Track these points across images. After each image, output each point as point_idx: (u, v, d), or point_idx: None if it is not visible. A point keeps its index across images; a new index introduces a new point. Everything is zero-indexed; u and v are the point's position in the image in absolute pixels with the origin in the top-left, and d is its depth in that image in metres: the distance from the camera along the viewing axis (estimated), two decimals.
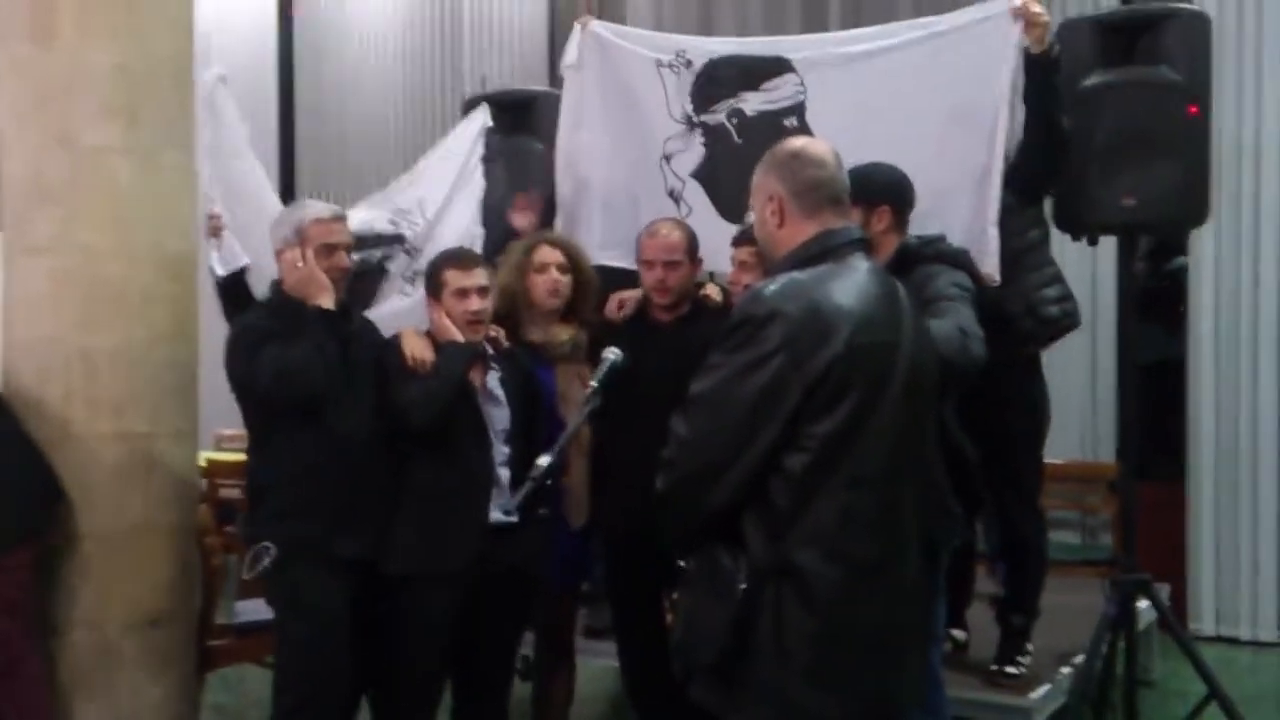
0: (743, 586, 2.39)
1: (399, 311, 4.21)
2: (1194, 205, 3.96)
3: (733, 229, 3.92)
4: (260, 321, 3.63)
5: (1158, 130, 3.85)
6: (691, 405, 2.46)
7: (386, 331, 3.86)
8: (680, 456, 2.46)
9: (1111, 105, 3.88)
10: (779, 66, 4.06)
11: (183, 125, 4.47)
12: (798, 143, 2.67)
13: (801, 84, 4.01)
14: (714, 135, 4.19)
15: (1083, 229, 4.11)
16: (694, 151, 4.24)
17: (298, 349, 3.48)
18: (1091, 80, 3.90)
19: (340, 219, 3.73)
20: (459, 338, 3.60)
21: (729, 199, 4.05)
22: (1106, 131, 3.86)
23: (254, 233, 4.08)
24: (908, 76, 3.83)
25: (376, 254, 4.30)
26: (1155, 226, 4.45)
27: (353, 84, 9.08)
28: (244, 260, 4.11)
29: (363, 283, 4.22)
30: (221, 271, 4.15)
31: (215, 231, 4.16)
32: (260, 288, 3.94)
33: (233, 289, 4.13)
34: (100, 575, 4.19)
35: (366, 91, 9.01)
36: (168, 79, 4.37)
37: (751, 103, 4.11)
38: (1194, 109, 3.85)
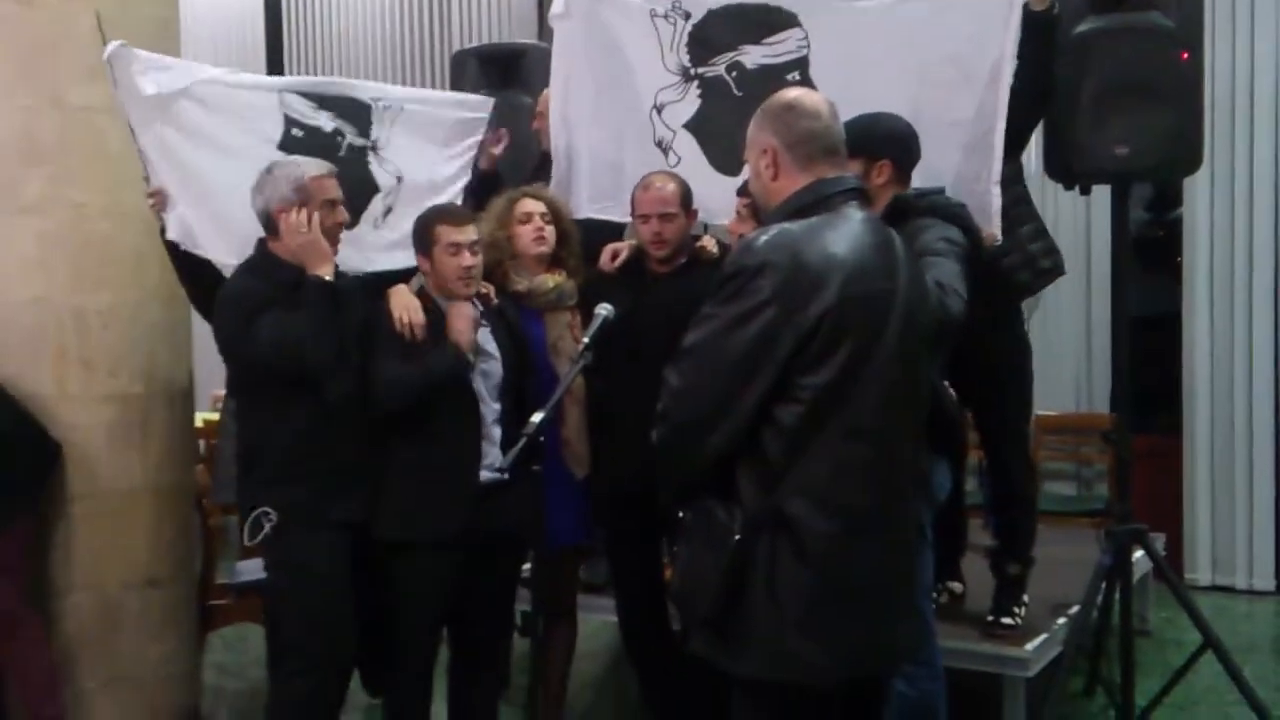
0: (736, 538, 2.40)
1: (356, 259, 3.98)
2: (1187, 153, 3.93)
3: (725, 180, 3.90)
4: (255, 287, 3.50)
5: (1150, 77, 3.81)
6: (684, 356, 2.46)
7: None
8: (672, 407, 2.47)
9: (1103, 52, 3.83)
10: (783, 20, 4.00)
11: None
12: (792, 94, 2.64)
13: (805, 39, 3.96)
14: (711, 87, 4.12)
15: (1075, 178, 4.08)
16: (689, 103, 4.17)
17: (298, 321, 3.41)
18: (1082, 27, 3.86)
19: (334, 174, 3.65)
20: (465, 340, 3.54)
21: (724, 151, 4.00)
22: (1098, 79, 3.82)
23: (188, 202, 3.84)
24: (912, 34, 3.79)
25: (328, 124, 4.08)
26: (1148, 174, 4.43)
27: (342, 37, 9.01)
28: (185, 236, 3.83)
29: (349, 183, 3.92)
30: (176, 237, 3.82)
31: (162, 206, 3.82)
32: (213, 252, 3.77)
33: (187, 253, 3.88)
34: (99, 537, 4.22)
35: (355, 43, 8.94)
36: (153, 37, 4.33)
37: (752, 56, 4.04)
38: (1186, 55, 3.82)
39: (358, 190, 4.00)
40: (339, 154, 4.05)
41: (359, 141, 4.14)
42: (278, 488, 3.52)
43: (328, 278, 3.49)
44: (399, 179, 4.17)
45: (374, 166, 4.16)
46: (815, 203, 2.49)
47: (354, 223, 3.93)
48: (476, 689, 3.78)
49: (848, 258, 2.41)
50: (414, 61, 8.63)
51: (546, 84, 4.53)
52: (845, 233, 2.45)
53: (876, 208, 3.36)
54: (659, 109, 4.18)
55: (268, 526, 3.49)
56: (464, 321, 3.55)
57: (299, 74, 9.04)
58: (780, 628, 2.40)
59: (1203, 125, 3.99)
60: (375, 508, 3.55)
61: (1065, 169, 4.04)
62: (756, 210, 3.39)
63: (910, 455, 2.55)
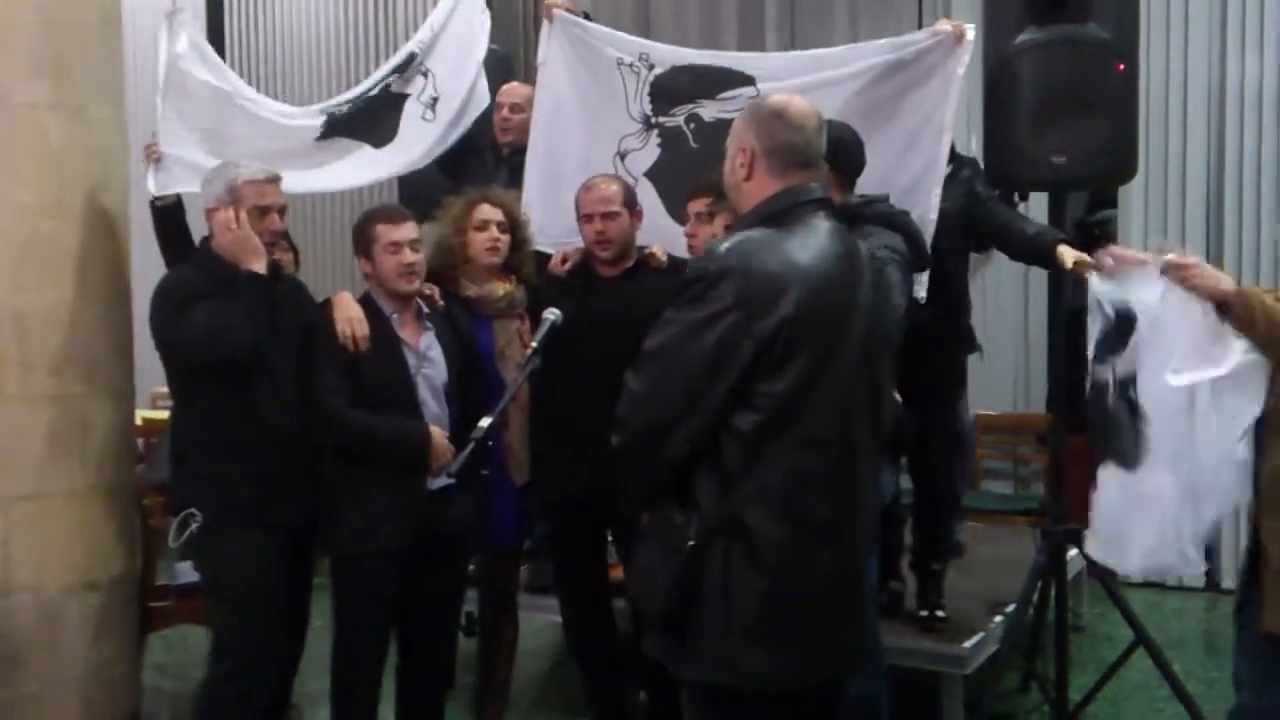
0: (691, 543, 2.40)
1: (426, 149, 4.52)
2: (1123, 162, 4.02)
3: (679, 230, 3.96)
4: (189, 279, 3.57)
5: (1087, 87, 3.89)
6: (644, 361, 2.45)
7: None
8: (632, 413, 2.46)
9: (1041, 63, 3.92)
10: (739, 79, 4.12)
11: (112, 79, 4.42)
12: (781, 100, 2.63)
13: (759, 96, 4.04)
14: (670, 137, 4.24)
15: (1014, 186, 4.18)
16: (649, 151, 4.29)
17: (228, 311, 3.44)
18: (1021, 38, 3.94)
19: (274, 180, 3.66)
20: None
21: (676, 200, 4.07)
22: (1036, 89, 3.91)
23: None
24: (863, 95, 3.94)
25: (372, 87, 4.56)
26: (1085, 183, 4.53)
27: (283, 37, 8.91)
28: (181, 187, 4.13)
29: (379, 116, 4.49)
30: (154, 190, 4.18)
31: (153, 157, 4.21)
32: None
33: (168, 218, 4.15)
34: (39, 538, 4.17)
35: (297, 42, 8.84)
36: (95, 32, 4.31)
37: (709, 109, 4.17)
38: (1122, 66, 3.91)
39: (389, 115, 4.55)
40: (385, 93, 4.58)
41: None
42: (208, 487, 3.53)
43: (260, 271, 3.50)
44: (426, 73, 4.55)
45: (394, 85, 4.56)
46: (783, 211, 2.49)
47: (395, 134, 4.53)
48: (424, 690, 3.79)
49: (810, 267, 2.42)
50: (357, 63, 8.54)
51: (493, 85, 4.64)
52: (809, 242, 2.46)
53: None
54: (622, 155, 4.29)
55: (193, 526, 3.50)
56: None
57: (240, 72, 8.97)
58: (729, 634, 2.41)
59: (1137, 135, 4.08)
60: (322, 522, 3.55)
61: (1004, 176, 4.12)
62: (716, 213, 3.46)
63: (870, 468, 2.56)
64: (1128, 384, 3.40)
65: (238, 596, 3.54)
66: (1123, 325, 3.44)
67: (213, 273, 3.53)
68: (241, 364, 3.48)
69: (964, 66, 3.83)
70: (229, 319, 3.44)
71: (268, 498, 3.52)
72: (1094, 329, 3.66)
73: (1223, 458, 3.04)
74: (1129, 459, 3.47)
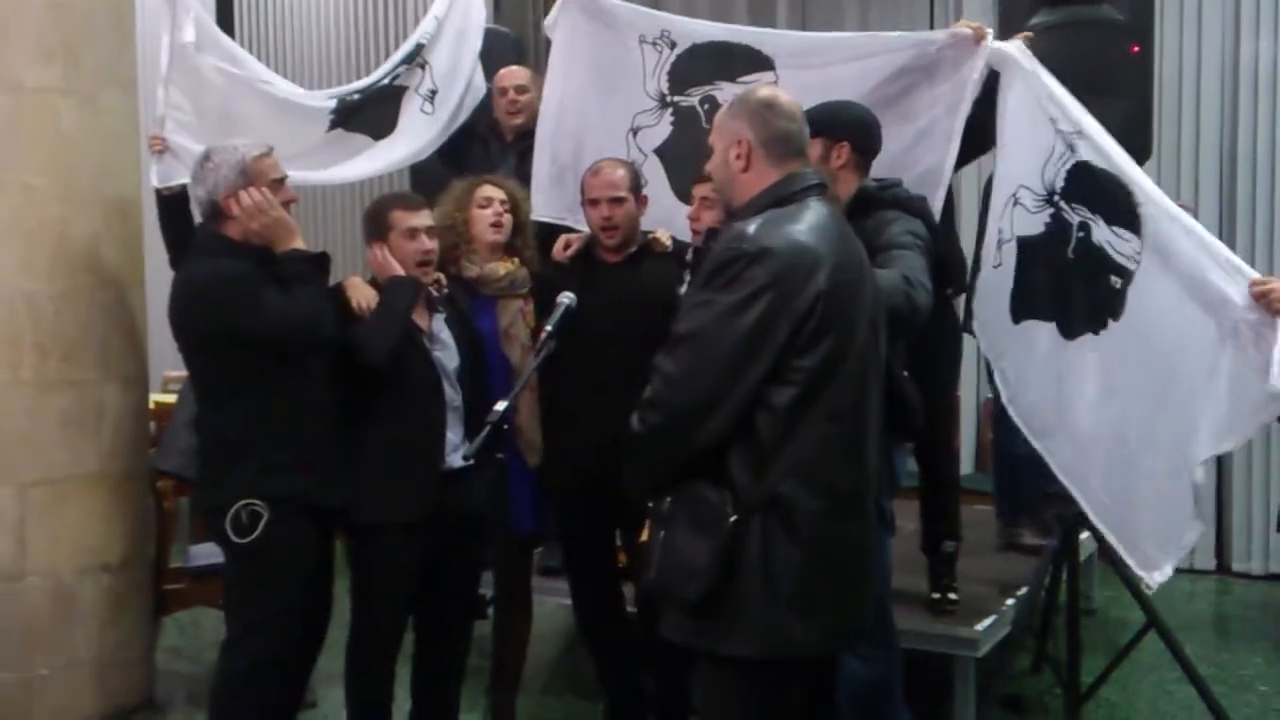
0: (732, 519, 2.44)
1: (427, 141, 4.58)
2: (1137, 143, 3.98)
3: (683, 208, 3.95)
4: (239, 265, 3.32)
5: (1101, 69, 3.88)
6: (680, 343, 2.49)
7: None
8: (668, 393, 2.48)
9: (1055, 45, 3.89)
10: (759, 62, 4.08)
11: (123, 65, 4.44)
12: (768, 92, 2.72)
13: (776, 84, 4.01)
14: (683, 116, 4.22)
15: None
16: (662, 129, 4.28)
17: (305, 296, 3.33)
18: (1035, 20, 3.93)
19: (271, 152, 3.51)
20: (401, 272, 3.55)
21: (683, 179, 4.07)
22: (1050, 71, 3.89)
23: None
24: (879, 90, 3.89)
25: (383, 78, 4.60)
26: None
27: (294, 32, 8.90)
28: (186, 178, 3.98)
29: (379, 108, 4.54)
30: (158, 182, 4.19)
31: (157, 149, 4.21)
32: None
33: (173, 206, 4.13)
34: (53, 522, 4.20)
35: (309, 35, 8.84)
36: (106, 18, 4.33)
37: (726, 92, 4.11)
38: (1136, 48, 3.89)
39: (390, 107, 4.59)
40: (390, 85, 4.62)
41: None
42: (273, 478, 3.35)
43: (302, 248, 3.42)
44: (424, 65, 4.59)
45: (401, 76, 4.60)
46: (790, 195, 2.57)
47: (394, 126, 4.57)
48: (440, 678, 3.78)
49: (827, 247, 2.50)
50: (367, 53, 8.53)
51: (497, 67, 4.72)
52: (818, 224, 2.53)
53: (840, 192, 3.41)
54: (635, 131, 4.27)
55: (261, 522, 3.32)
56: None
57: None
58: (773, 607, 2.46)
59: (1152, 117, 4.07)
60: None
61: None
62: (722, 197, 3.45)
63: (877, 439, 2.63)
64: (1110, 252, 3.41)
65: (283, 584, 3.40)
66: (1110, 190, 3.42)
67: (249, 258, 3.36)
68: (331, 349, 3.41)
69: (979, 72, 3.76)
70: (311, 307, 3.33)
71: (318, 483, 3.42)
72: (1053, 155, 3.58)
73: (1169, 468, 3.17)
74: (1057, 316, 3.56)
